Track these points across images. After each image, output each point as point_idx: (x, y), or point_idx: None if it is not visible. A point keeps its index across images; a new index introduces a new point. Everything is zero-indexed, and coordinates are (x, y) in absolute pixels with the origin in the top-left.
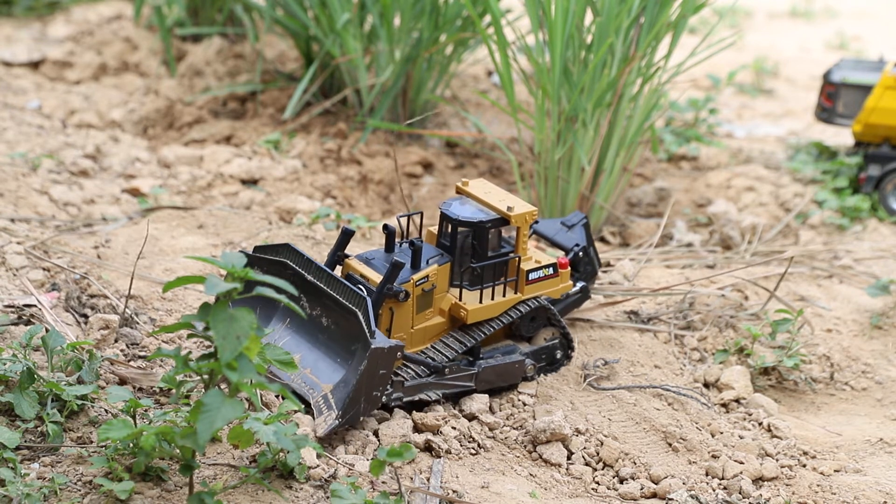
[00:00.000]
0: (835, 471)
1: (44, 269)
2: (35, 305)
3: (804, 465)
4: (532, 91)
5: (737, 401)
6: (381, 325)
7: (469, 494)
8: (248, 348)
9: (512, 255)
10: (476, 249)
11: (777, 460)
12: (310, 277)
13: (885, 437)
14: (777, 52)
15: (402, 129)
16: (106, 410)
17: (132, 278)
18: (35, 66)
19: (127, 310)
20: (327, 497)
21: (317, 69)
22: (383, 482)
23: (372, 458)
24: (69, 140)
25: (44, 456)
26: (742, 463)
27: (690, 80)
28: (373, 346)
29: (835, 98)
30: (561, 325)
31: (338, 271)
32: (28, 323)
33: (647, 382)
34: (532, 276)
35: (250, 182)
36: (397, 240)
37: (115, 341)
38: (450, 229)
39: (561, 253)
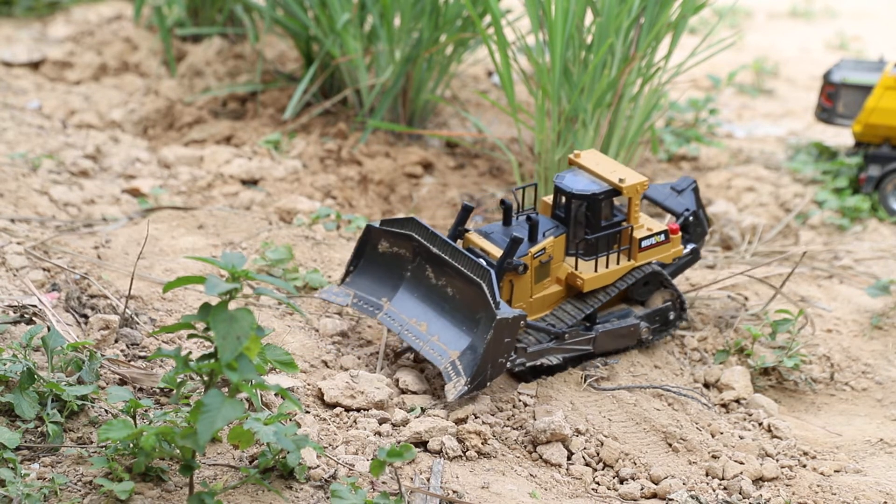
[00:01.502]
0: (835, 471)
1: (44, 269)
2: (35, 305)
3: (804, 466)
4: (532, 91)
5: (737, 401)
6: (502, 296)
7: (469, 495)
8: (248, 348)
9: (625, 224)
10: (590, 220)
11: (777, 460)
12: (435, 250)
13: (885, 438)
14: (777, 53)
15: (402, 130)
16: (106, 411)
17: (132, 278)
18: (35, 66)
19: (127, 310)
20: (327, 497)
21: (317, 69)
22: (383, 482)
23: (372, 459)
24: (69, 140)
25: (44, 456)
26: (742, 463)
27: (690, 80)
28: (498, 317)
29: (835, 98)
30: (673, 288)
31: (459, 245)
32: (29, 323)
33: (647, 382)
34: (644, 243)
35: (250, 182)
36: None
37: (116, 341)
38: (564, 201)
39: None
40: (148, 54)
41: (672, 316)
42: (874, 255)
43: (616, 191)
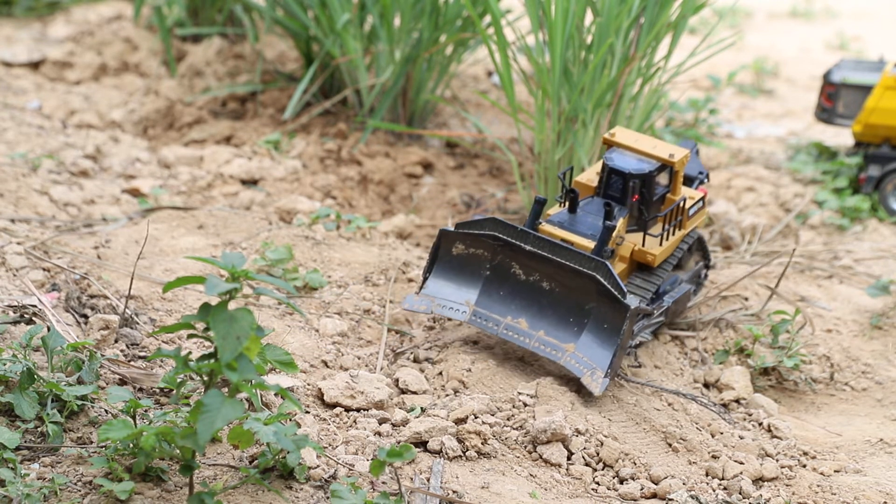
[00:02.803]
0: (835, 471)
1: (44, 269)
2: (35, 305)
3: (804, 466)
4: (532, 91)
5: (737, 401)
6: None
7: (469, 495)
8: (248, 348)
9: (678, 198)
10: (644, 196)
11: (777, 460)
12: (528, 247)
13: (885, 438)
14: (777, 53)
15: (402, 130)
16: (106, 411)
17: (132, 278)
18: (35, 66)
19: (127, 310)
20: (327, 497)
21: (317, 69)
22: (383, 482)
23: (372, 459)
24: (69, 140)
25: (44, 456)
26: (742, 463)
27: (690, 80)
28: (632, 307)
29: (835, 98)
30: (707, 249)
31: None
32: (29, 323)
33: (646, 381)
34: (691, 211)
35: (250, 182)
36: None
37: (115, 341)
38: (620, 182)
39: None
40: (148, 54)
41: (703, 275)
42: (874, 255)
43: (665, 165)
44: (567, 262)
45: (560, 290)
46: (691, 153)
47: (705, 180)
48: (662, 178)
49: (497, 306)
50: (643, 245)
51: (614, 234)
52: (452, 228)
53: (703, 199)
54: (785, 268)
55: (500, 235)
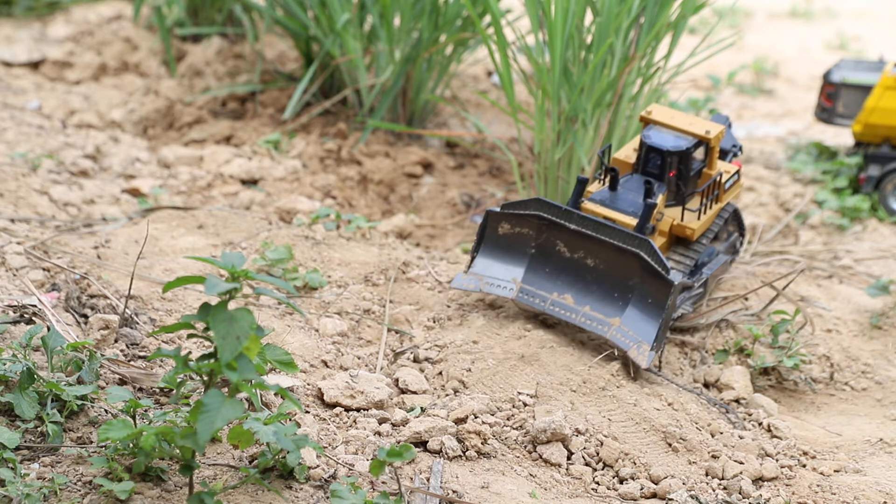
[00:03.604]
0: (835, 471)
1: (44, 269)
2: (35, 305)
3: (804, 466)
4: (532, 91)
5: (737, 401)
6: None
7: (469, 494)
8: (248, 348)
9: (715, 173)
10: (681, 172)
11: (777, 460)
12: (572, 226)
13: (885, 437)
14: (777, 53)
15: (402, 130)
16: (106, 410)
17: (132, 278)
18: (35, 66)
19: (127, 310)
20: (327, 497)
21: (317, 69)
22: (383, 482)
23: (372, 458)
24: (69, 140)
25: (44, 456)
26: (742, 463)
27: (690, 80)
28: (676, 283)
29: (835, 98)
30: (742, 220)
31: None
32: (29, 323)
33: (670, 380)
34: (727, 185)
35: (250, 182)
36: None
37: (115, 341)
38: (658, 159)
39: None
40: (148, 54)
41: (739, 244)
42: (874, 254)
43: (702, 142)
44: (611, 240)
45: (604, 266)
46: (725, 128)
47: (739, 153)
48: (699, 154)
49: (543, 283)
50: (682, 220)
51: (654, 211)
52: (498, 209)
53: (737, 172)
54: (797, 273)
55: (545, 215)
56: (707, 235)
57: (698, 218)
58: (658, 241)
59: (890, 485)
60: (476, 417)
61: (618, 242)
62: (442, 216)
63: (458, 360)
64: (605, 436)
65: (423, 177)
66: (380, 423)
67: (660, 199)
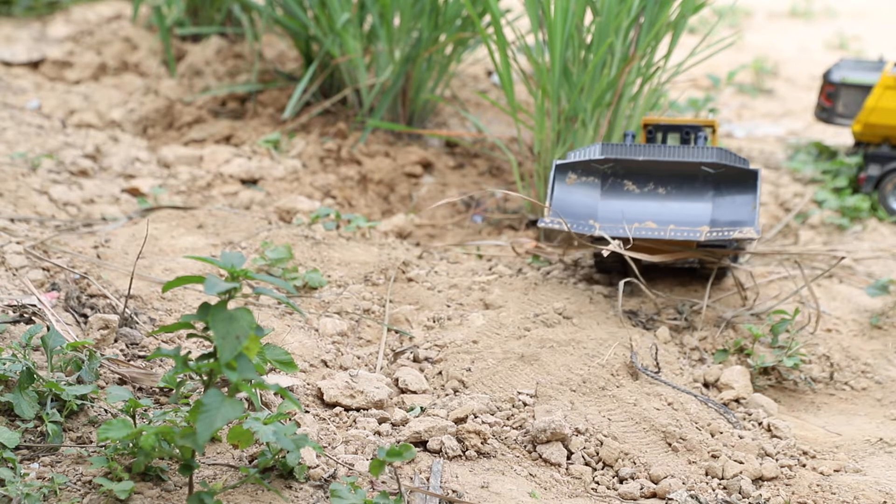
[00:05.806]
0: (834, 471)
1: (43, 269)
2: (35, 305)
3: (804, 465)
4: (532, 91)
5: (737, 401)
6: None
7: (469, 494)
8: (248, 348)
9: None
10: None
11: (777, 460)
12: (641, 158)
13: (885, 437)
14: (777, 52)
15: (402, 130)
16: (106, 410)
17: (132, 278)
18: (35, 66)
19: (127, 310)
20: (327, 497)
21: (316, 69)
22: (383, 482)
23: (372, 458)
24: (69, 140)
25: (43, 456)
26: (742, 463)
27: (690, 79)
28: (751, 167)
29: (834, 98)
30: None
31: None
32: (28, 322)
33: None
34: None
35: (250, 182)
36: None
37: (115, 341)
38: (662, 138)
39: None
40: (147, 54)
41: None
42: (874, 254)
43: (707, 126)
44: (686, 159)
45: (676, 188)
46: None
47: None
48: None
49: (621, 218)
50: None
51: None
52: (564, 160)
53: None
54: (818, 276)
55: (613, 157)
56: None
57: None
58: None
59: (890, 485)
60: (476, 417)
61: (694, 159)
62: (442, 216)
63: (457, 359)
64: (605, 435)
65: (422, 176)
66: (379, 423)
67: None
